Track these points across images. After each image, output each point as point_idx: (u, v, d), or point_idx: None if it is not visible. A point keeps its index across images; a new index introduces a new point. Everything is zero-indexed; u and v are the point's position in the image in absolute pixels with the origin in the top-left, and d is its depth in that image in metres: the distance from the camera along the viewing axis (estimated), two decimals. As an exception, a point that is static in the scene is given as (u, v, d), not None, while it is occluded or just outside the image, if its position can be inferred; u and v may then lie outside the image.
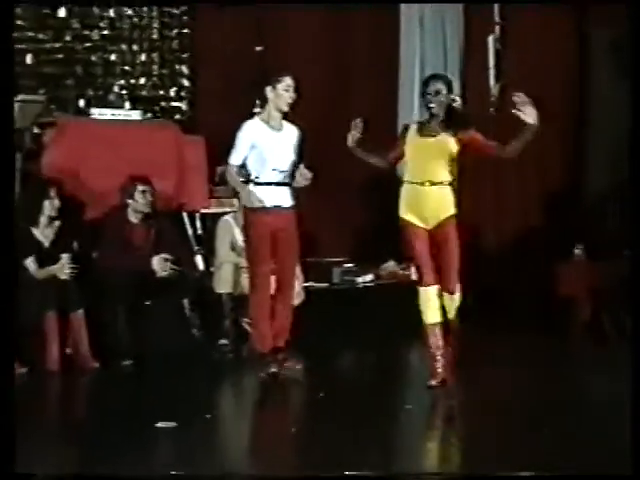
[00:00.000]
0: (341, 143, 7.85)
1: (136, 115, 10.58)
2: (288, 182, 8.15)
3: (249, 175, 8.09)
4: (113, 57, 11.38)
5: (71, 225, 8.92)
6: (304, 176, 8.03)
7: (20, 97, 9.60)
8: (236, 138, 8.07)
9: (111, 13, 11.34)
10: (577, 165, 11.68)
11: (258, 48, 10.41)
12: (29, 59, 11.33)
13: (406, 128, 7.81)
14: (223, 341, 9.17)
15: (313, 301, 9.55)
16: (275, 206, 8.05)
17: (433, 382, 7.63)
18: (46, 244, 8.70)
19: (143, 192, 8.95)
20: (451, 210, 7.56)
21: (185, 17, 11.49)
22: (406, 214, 7.68)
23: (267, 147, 7.99)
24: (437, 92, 7.47)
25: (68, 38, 11.40)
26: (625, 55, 10.31)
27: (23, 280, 8.36)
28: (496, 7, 11.00)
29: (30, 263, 8.55)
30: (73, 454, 6.30)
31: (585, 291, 10.36)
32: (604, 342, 9.82)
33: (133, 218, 9.05)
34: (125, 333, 8.66)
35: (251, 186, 8.04)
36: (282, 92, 7.91)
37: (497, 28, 11.11)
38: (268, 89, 7.95)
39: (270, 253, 8.17)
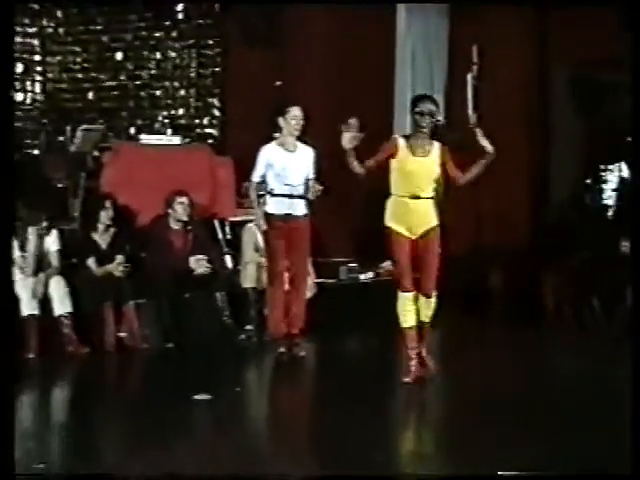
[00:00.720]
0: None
1: (176, 140, 10.83)
2: (300, 195, 8.21)
3: (267, 188, 8.21)
4: (158, 92, 11.74)
5: (124, 231, 9.12)
6: (314, 190, 8.12)
7: (83, 127, 10.00)
8: (256, 159, 8.26)
9: (157, 55, 11.67)
10: (539, 179, 11.76)
11: (277, 83, 10.63)
12: (91, 95, 11.80)
13: (394, 142, 7.32)
14: (249, 327, 9.19)
15: (323, 294, 9.65)
16: (287, 214, 8.17)
17: (407, 379, 7.27)
18: (103, 247, 8.91)
19: (182, 203, 9.11)
20: (434, 221, 7.27)
21: (218, 58, 11.68)
22: (392, 223, 7.34)
23: (280, 166, 8.11)
24: (431, 113, 7.13)
25: (122, 77, 11.79)
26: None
27: (85, 276, 8.76)
28: (474, 49, 11.04)
29: (91, 263, 8.79)
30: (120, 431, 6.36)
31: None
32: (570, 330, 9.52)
33: (174, 225, 9.22)
34: (168, 320, 8.84)
35: (268, 197, 8.22)
36: (290, 120, 8.07)
37: (474, 66, 11.10)
38: (280, 119, 8.11)
39: (284, 254, 8.26)
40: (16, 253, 8.50)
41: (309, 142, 8.23)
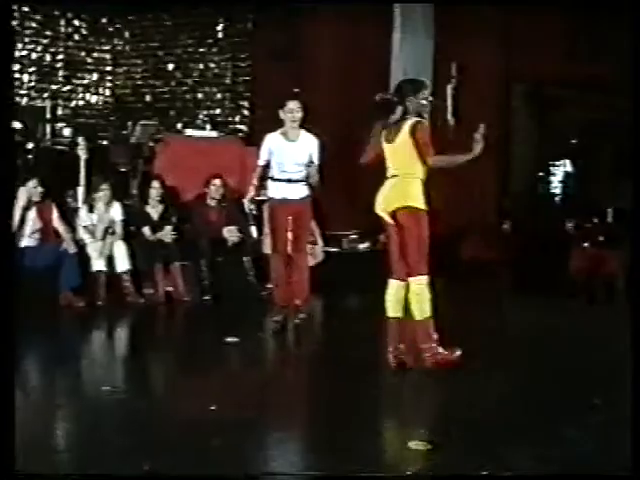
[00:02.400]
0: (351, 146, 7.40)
1: (214, 134, 10.87)
2: (298, 180, 7.40)
3: (269, 174, 7.49)
4: (200, 96, 11.83)
5: (171, 206, 9.17)
6: (312, 176, 7.34)
7: (141, 122, 10.14)
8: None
9: (200, 66, 11.78)
10: (502, 171, 11.76)
11: (296, 89, 10.32)
12: (148, 98, 11.93)
13: (378, 130, 6.03)
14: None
15: (329, 260, 9.78)
16: (284, 198, 7.41)
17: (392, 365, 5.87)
18: (155, 218, 8.99)
19: (216, 185, 9.14)
20: (407, 201, 5.82)
21: (248, 69, 11.73)
22: (377, 209, 6.04)
23: (280, 154, 7.33)
24: (430, 100, 6.01)
25: (173, 84, 11.92)
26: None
27: (140, 241, 8.84)
28: (453, 66, 11.25)
29: (145, 230, 8.89)
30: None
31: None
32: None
33: (210, 202, 9.26)
34: (206, 278, 8.85)
35: (269, 182, 7.50)
36: (287, 113, 7.28)
37: (453, 80, 11.32)
38: (280, 111, 7.35)
39: (285, 232, 7.51)
40: (88, 222, 8.67)
41: (316, 131, 7.57)
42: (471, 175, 11.02)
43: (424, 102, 5.94)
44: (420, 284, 5.82)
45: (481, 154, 5.95)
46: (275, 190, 7.48)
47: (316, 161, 7.44)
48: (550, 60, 10.14)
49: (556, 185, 11.39)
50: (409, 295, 5.84)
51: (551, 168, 11.46)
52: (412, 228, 5.85)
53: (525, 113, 11.65)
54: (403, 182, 5.89)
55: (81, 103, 11.60)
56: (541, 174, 11.59)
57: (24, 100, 10.65)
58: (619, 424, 4.29)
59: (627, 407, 4.11)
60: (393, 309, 5.92)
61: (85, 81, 11.71)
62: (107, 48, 11.75)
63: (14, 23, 10.54)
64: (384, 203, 5.91)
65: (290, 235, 7.56)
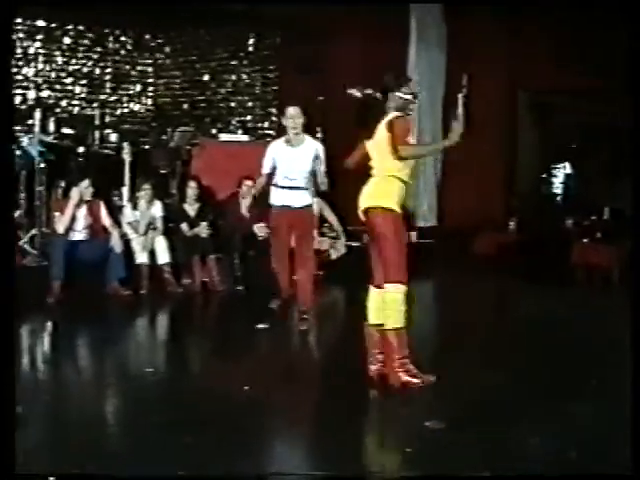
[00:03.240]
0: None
1: (245, 138, 10.85)
2: (300, 187, 6.82)
3: (273, 181, 6.96)
4: (233, 104, 11.79)
5: (207, 204, 9.13)
6: (322, 183, 6.77)
7: (180, 128, 10.14)
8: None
9: (233, 77, 11.77)
10: (508, 173, 11.81)
11: (320, 98, 10.47)
12: (185, 106, 11.94)
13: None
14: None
15: (351, 253, 9.59)
16: (285, 206, 6.84)
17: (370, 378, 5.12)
18: (192, 215, 8.94)
19: (248, 185, 8.91)
20: (377, 201, 5.03)
21: (276, 79, 11.72)
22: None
23: (282, 160, 6.78)
24: (414, 95, 5.27)
25: (208, 93, 11.90)
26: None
27: (179, 236, 8.78)
28: (465, 78, 11.21)
29: (183, 226, 8.83)
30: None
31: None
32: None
33: (242, 201, 9.09)
34: (238, 270, 8.79)
35: (272, 188, 6.94)
36: (288, 119, 6.73)
37: (464, 89, 11.38)
38: (282, 118, 6.88)
39: (287, 238, 7.00)
40: (132, 218, 8.70)
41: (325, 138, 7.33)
42: (481, 177, 11.09)
43: (407, 97, 5.19)
44: (392, 292, 4.97)
45: (458, 142, 5.15)
46: (277, 197, 6.93)
47: (322, 167, 6.76)
48: (552, 70, 10.07)
49: (557, 186, 11.39)
50: (383, 303, 5.07)
51: (553, 170, 11.43)
52: (383, 230, 5.03)
53: (529, 119, 11.55)
54: (380, 181, 5.13)
55: (126, 111, 11.65)
56: (544, 176, 11.56)
57: (76, 109, 10.71)
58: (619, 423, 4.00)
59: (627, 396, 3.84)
60: (373, 316, 5.20)
61: (130, 91, 11.75)
62: (149, 62, 11.79)
63: (68, 41, 10.63)
64: (360, 202, 5.14)
65: (293, 243, 7.06)
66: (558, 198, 11.36)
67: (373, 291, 5.21)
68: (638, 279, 4.36)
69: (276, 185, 6.91)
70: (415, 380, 4.98)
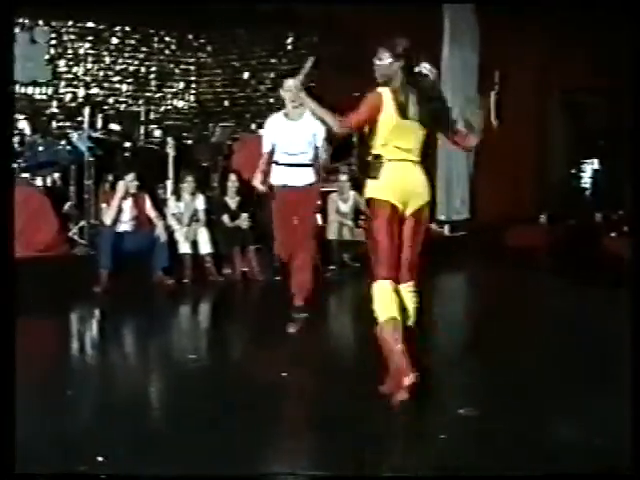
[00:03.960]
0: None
1: None
2: (302, 164, 5.99)
3: (275, 158, 6.09)
4: (271, 100, 11.53)
5: (247, 197, 8.89)
6: (321, 157, 6.07)
7: (221, 124, 10.19)
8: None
9: (272, 74, 11.69)
10: (540, 168, 11.74)
11: (355, 94, 10.75)
12: (226, 103, 11.90)
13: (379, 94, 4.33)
14: (332, 267, 9.16)
15: None
16: (285, 185, 6.01)
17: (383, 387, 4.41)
18: (233, 207, 8.93)
19: None
20: (366, 191, 4.45)
21: (314, 77, 11.79)
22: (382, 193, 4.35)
23: (281, 135, 5.94)
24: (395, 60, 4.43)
25: (248, 90, 11.91)
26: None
27: (221, 228, 8.77)
28: (496, 74, 11.15)
29: (225, 218, 8.84)
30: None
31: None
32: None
33: None
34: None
35: (273, 166, 6.08)
36: (286, 92, 5.87)
37: (496, 87, 11.34)
38: (280, 90, 6.03)
39: (291, 222, 6.08)
40: (175, 210, 8.72)
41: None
42: (513, 171, 11.03)
43: (387, 63, 4.43)
44: (377, 286, 4.39)
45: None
46: (278, 175, 6.09)
47: (321, 143, 6.02)
48: (584, 68, 9.94)
49: (586, 181, 11.27)
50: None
51: (582, 166, 11.32)
52: (369, 222, 4.54)
53: (560, 116, 11.45)
54: (370, 163, 4.45)
55: (170, 108, 11.69)
56: (573, 171, 11.45)
57: (122, 106, 10.77)
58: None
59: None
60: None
61: (173, 89, 11.79)
62: (192, 60, 11.83)
63: (115, 41, 10.70)
64: (410, 197, 4.46)
65: (299, 227, 6.11)
66: (587, 193, 11.24)
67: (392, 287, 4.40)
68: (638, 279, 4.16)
69: (276, 163, 6.09)
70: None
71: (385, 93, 4.35)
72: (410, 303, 4.49)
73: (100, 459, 3.66)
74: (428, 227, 4.76)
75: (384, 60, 4.48)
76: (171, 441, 3.92)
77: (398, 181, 4.40)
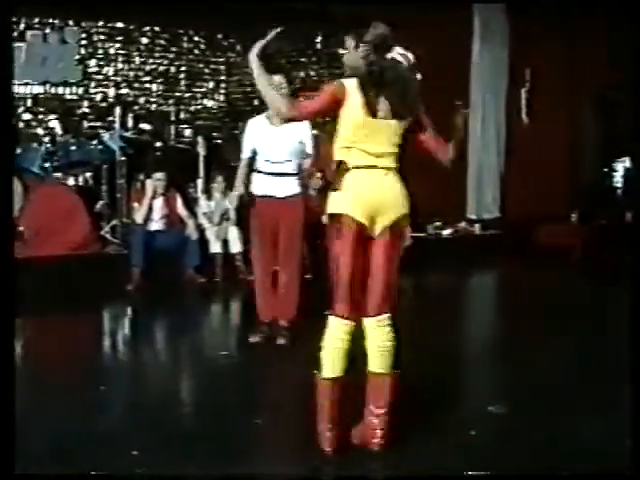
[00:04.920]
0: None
1: (314, 132, 11.00)
2: (286, 173, 5.52)
3: (255, 165, 5.65)
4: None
5: None
6: (312, 176, 5.91)
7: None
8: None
9: (301, 73, 11.70)
10: (573, 167, 11.72)
11: None
12: (256, 102, 11.41)
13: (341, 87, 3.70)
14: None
15: (415, 244, 9.79)
16: (267, 195, 5.53)
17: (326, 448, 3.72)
18: None
19: (317, 177, 8.06)
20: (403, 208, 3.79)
21: (344, 76, 11.83)
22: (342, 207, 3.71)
23: (261, 140, 5.47)
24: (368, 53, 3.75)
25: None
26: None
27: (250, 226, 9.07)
28: (527, 72, 11.13)
29: None
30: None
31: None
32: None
33: (312, 192, 8.19)
34: (307, 259, 8.12)
35: (254, 175, 5.63)
36: None
37: (527, 84, 11.24)
38: None
39: (269, 236, 5.60)
40: (206, 209, 8.80)
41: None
42: (544, 170, 11.02)
43: (353, 52, 3.84)
44: (329, 325, 3.78)
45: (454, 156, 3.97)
46: (258, 185, 5.61)
47: (309, 150, 5.58)
48: (616, 66, 9.83)
49: (618, 180, 11.24)
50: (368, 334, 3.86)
51: (614, 164, 11.29)
52: (329, 241, 3.87)
53: (592, 114, 11.41)
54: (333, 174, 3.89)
55: (200, 107, 11.78)
56: (605, 170, 11.43)
57: (153, 106, 10.89)
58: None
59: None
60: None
61: (203, 88, 11.88)
62: (222, 60, 11.89)
63: (145, 41, 10.83)
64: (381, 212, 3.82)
65: (281, 242, 5.64)
66: (619, 191, 11.21)
67: (348, 327, 3.75)
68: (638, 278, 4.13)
69: (257, 171, 5.62)
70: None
71: (350, 85, 3.72)
72: (378, 341, 3.76)
73: (135, 453, 3.79)
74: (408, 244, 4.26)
75: (350, 49, 3.87)
76: (202, 437, 4.00)
77: (363, 193, 3.72)
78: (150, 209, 8.39)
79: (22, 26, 9.63)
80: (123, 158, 8.92)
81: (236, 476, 3.57)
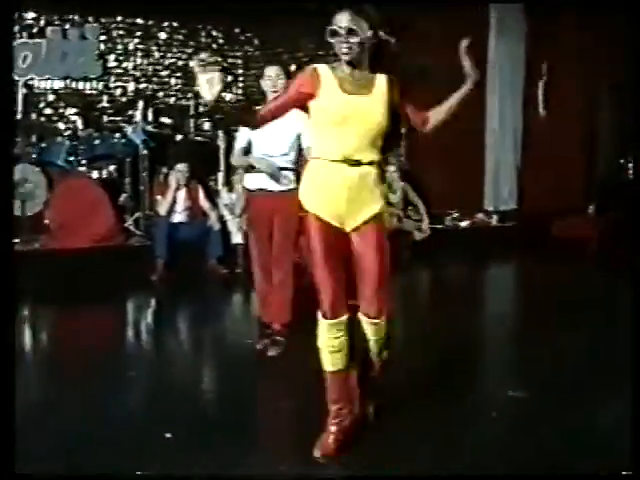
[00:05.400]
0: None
1: None
2: (279, 167, 5.28)
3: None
4: None
5: None
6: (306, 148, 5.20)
7: None
8: None
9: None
10: (589, 160, 11.73)
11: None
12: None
13: (312, 72, 3.60)
14: None
15: (433, 235, 9.52)
16: (260, 189, 5.33)
17: (317, 453, 3.69)
18: None
19: None
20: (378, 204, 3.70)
21: None
22: (311, 204, 3.65)
23: (256, 133, 5.15)
24: (351, 31, 3.50)
25: None
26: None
27: None
28: (544, 65, 11.16)
29: None
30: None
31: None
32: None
33: None
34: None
35: (250, 169, 5.43)
36: (266, 80, 5.22)
37: (544, 77, 11.24)
38: (261, 82, 5.36)
39: (268, 232, 5.40)
40: (228, 201, 8.84)
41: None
42: (561, 161, 11.08)
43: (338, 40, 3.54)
44: (319, 326, 3.75)
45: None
46: (252, 179, 5.43)
47: (306, 143, 5.24)
48: (630, 59, 9.90)
49: (635, 172, 11.28)
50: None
51: (631, 156, 11.33)
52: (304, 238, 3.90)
53: (609, 105, 11.40)
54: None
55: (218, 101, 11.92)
56: (622, 161, 11.49)
57: (172, 99, 11.02)
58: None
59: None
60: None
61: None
62: (239, 54, 12.01)
63: (164, 37, 10.97)
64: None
65: (274, 238, 5.43)
66: (636, 183, 11.25)
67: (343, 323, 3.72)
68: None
69: (252, 165, 5.43)
70: None
71: (322, 69, 3.58)
72: (369, 335, 3.71)
73: (168, 435, 3.97)
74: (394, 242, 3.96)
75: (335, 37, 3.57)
76: (226, 425, 4.13)
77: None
78: (174, 201, 8.53)
79: (42, 22, 9.74)
80: (145, 152, 9.07)
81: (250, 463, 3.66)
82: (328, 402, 3.79)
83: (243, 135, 5.45)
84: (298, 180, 4.95)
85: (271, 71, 5.25)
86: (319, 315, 3.69)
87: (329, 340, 3.66)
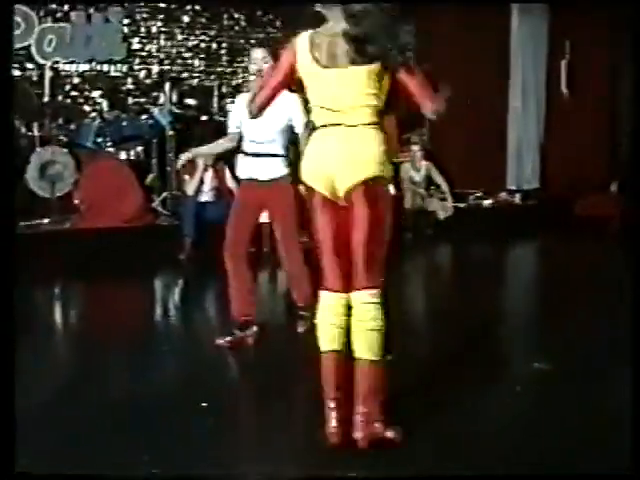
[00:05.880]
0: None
1: None
2: (270, 154, 5.09)
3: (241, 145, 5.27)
4: None
5: None
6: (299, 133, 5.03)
7: None
8: None
9: None
10: (612, 140, 11.82)
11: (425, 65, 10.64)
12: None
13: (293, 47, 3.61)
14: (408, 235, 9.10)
15: (456, 214, 9.79)
16: (250, 178, 5.17)
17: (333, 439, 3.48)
18: None
19: None
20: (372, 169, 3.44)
21: None
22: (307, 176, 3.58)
23: (246, 117, 4.27)
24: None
25: None
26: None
27: None
28: (567, 44, 11.19)
29: (301, 188, 9.10)
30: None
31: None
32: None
33: None
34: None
35: (239, 156, 5.32)
36: (253, 64, 5.03)
37: (567, 56, 11.30)
38: (248, 64, 5.35)
39: (249, 220, 5.26)
40: None
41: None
42: (584, 140, 11.12)
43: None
44: (320, 300, 3.69)
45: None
46: (243, 167, 5.26)
47: (299, 127, 5.06)
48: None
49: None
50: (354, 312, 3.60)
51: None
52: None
53: (633, 84, 11.08)
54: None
55: (241, 82, 12.00)
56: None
57: (195, 81, 11.14)
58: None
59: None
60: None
61: (244, 64, 12.09)
62: (262, 36, 12.10)
63: (187, 19, 11.08)
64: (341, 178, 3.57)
65: (276, 228, 5.38)
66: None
67: (339, 300, 3.57)
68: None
69: (242, 152, 5.26)
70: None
71: (301, 39, 3.52)
72: (362, 323, 3.47)
73: (204, 404, 4.09)
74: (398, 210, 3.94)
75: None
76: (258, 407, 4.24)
77: (319, 156, 3.49)
78: (201, 181, 8.66)
79: (66, 7, 9.87)
80: (172, 132, 9.20)
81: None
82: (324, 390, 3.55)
83: (233, 120, 5.30)
84: (289, 166, 5.09)
85: (257, 53, 5.08)
86: (321, 291, 3.60)
87: (329, 316, 3.51)
